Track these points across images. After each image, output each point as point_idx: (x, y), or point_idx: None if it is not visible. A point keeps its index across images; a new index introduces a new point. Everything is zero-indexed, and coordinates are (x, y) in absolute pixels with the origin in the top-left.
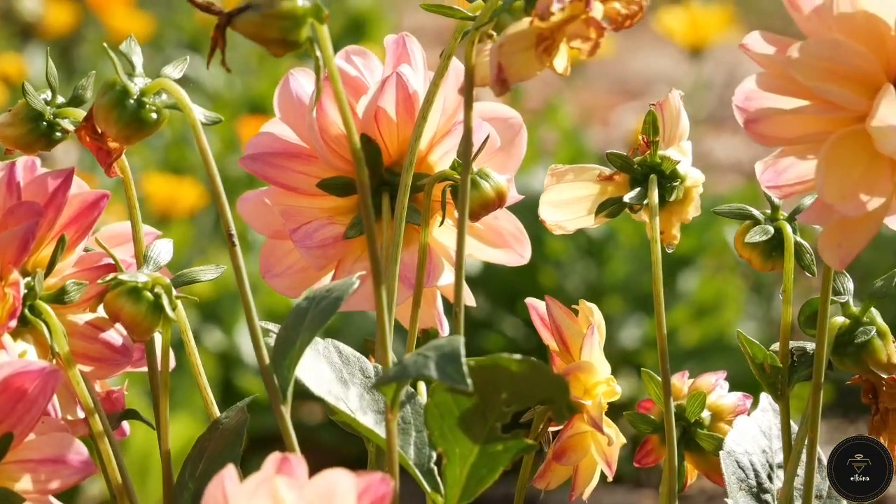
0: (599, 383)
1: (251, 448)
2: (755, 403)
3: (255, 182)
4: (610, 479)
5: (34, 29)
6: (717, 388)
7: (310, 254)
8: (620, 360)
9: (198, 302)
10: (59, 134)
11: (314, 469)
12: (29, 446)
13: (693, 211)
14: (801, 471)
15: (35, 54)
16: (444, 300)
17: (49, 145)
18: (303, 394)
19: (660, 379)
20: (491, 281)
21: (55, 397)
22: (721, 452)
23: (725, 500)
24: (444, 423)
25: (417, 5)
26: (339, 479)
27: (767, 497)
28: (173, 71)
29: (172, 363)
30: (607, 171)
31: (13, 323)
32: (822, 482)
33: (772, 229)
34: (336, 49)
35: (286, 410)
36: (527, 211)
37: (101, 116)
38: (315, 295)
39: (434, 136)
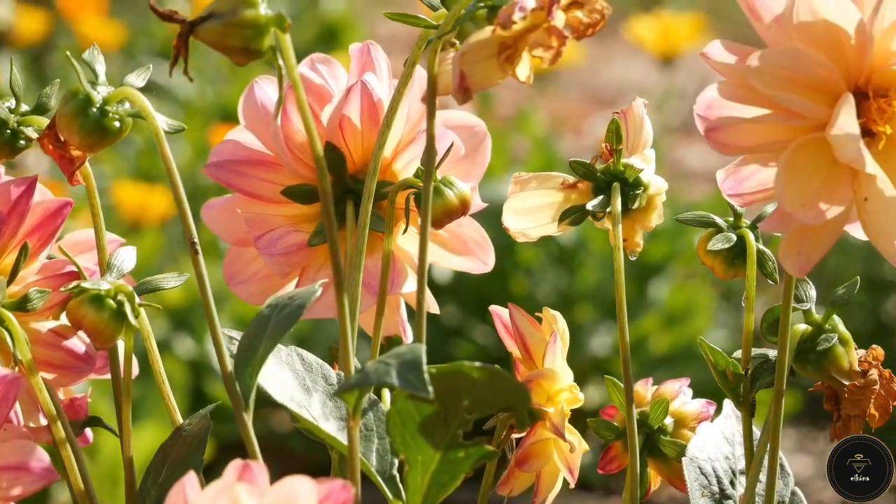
0: (562, 390)
1: (221, 455)
2: (719, 410)
3: (227, 191)
4: (572, 485)
5: (5, 37)
6: (680, 395)
7: (274, 261)
8: (591, 367)
9: (168, 310)
10: (22, 142)
11: (285, 476)
12: None
13: (656, 219)
14: (763, 477)
15: (6, 62)
16: (410, 307)
17: (13, 153)
18: (273, 401)
19: (623, 386)
20: (462, 289)
21: (17, 405)
22: (684, 459)
23: None
24: (406, 430)
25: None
26: (300, 486)
27: (730, 503)
28: (136, 79)
29: (135, 370)
30: (571, 178)
31: None
32: (783, 488)
33: (734, 237)
34: None
35: (248, 417)
36: (496, 219)
37: (64, 125)
38: (278, 302)
39: (399, 143)
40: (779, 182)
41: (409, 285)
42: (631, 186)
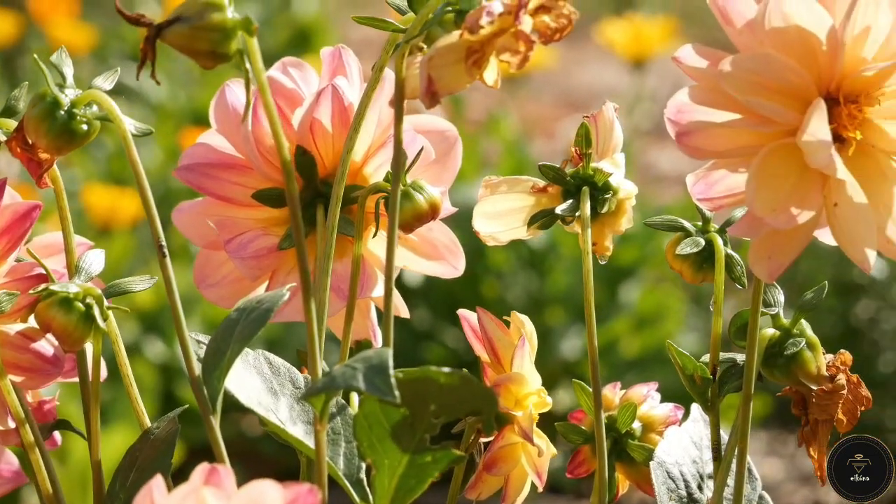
0: (530, 394)
1: (191, 458)
2: (686, 414)
3: (199, 194)
4: (540, 489)
5: None
6: (648, 399)
7: (244, 264)
8: (562, 371)
9: (140, 313)
10: None
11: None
12: None
13: (626, 223)
14: (731, 481)
15: None
16: (380, 311)
17: None
18: (243, 405)
19: (591, 390)
20: (433, 292)
21: None
22: (651, 463)
23: None
24: (373, 433)
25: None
26: (267, 490)
27: None
28: (104, 82)
29: (104, 373)
30: (541, 182)
31: None
32: (751, 492)
33: (703, 241)
34: None
35: (216, 421)
36: (468, 223)
37: (32, 128)
38: (246, 306)
39: (369, 148)
40: (750, 187)
41: (379, 289)
42: (600, 190)
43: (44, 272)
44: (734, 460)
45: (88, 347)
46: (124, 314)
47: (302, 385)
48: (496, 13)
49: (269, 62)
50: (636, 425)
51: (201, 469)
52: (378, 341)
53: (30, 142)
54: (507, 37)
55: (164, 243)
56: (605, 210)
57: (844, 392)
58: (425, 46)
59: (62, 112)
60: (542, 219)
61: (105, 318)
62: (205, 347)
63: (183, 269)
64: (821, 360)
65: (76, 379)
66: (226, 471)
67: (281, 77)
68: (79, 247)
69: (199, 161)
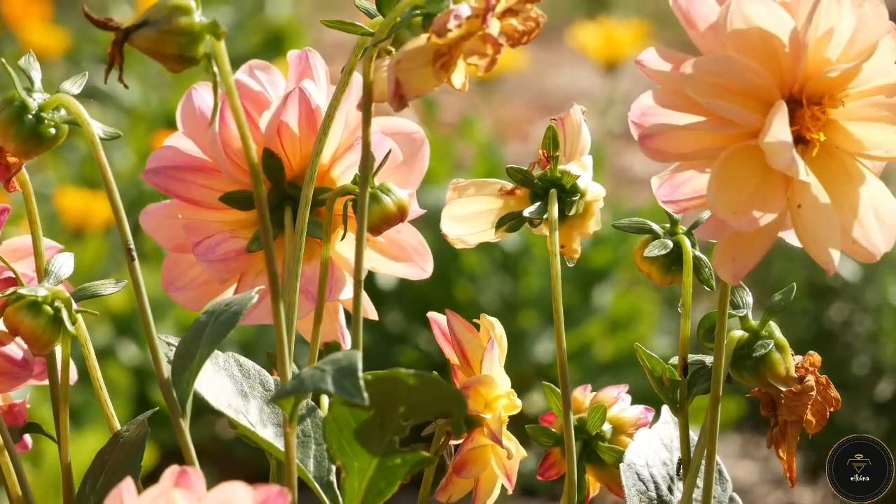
0: (500, 397)
1: (164, 460)
2: (657, 416)
3: (168, 197)
4: (510, 491)
5: None
6: (619, 402)
7: (212, 267)
8: (535, 374)
9: (112, 316)
10: None
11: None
12: None
13: (594, 225)
14: (700, 482)
15: None
16: (349, 313)
17: None
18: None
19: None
20: (406, 295)
21: None
22: (621, 465)
23: None
24: (343, 436)
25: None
26: (237, 492)
27: None
28: (72, 86)
29: (74, 376)
30: (509, 185)
31: None
32: (721, 494)
33: (671, 243)
34: None
35: (185, 424)
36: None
37: (0, 132)
38: (215, 309)
39: (336, 150)
40: (711, 189)
41: (348, 292)
42: (568, 193)
43: (13, 276)
44: (703, 462)
45: (58, 350)
46: (96, 317)
47: (272, 387)
48: (464, 16)
49: (241, 65)
50: (606, 427)
51: (171, 471)
52: (347, 343)
53: None
54: (474, 40)
55: (132, 246)
56: (572, 212)
57: (813, 393)
58: (393, 50)
59: (30, 116)
60: (509, 221)
61: (74, 322)
62: (174, 350)
63: (156, 272)
64: (789, 362)
65: (46, 382)
66: (196, 473)
67: (248, 80)
68: (48, 250)
69: (166, 164)
